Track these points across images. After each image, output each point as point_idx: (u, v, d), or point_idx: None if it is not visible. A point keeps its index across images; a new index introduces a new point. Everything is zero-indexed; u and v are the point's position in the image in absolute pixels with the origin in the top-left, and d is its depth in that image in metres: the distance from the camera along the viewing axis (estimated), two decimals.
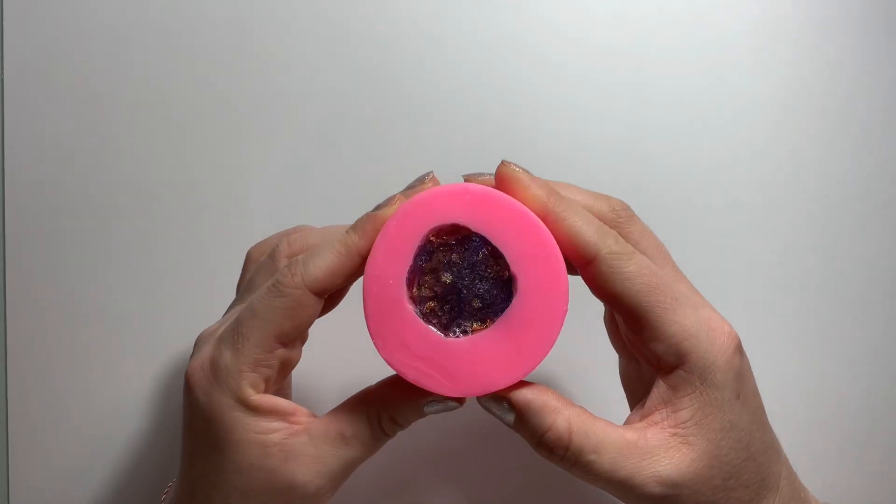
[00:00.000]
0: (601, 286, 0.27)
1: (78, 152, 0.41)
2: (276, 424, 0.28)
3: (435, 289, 0.27)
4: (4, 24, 0.41)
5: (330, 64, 0.41)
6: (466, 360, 0.27)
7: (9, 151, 0.41)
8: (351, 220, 0.28)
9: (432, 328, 0.27)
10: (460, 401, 0.28)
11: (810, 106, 0.41)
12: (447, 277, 0.27)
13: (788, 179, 0.41)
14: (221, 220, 0.41)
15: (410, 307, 0.27)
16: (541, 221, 0.26)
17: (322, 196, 0.41)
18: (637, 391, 0.32)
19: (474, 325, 0.27)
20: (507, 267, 0.26)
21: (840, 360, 0.41)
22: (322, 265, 0.27)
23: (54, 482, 0.41)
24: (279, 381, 0.29)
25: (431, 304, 0.27)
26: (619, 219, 0.29)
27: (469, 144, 0.41)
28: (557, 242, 0.26)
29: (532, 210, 0.27)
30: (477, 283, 0.27)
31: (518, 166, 0.27)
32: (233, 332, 0.27)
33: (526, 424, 0.27)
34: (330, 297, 0.29)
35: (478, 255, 0.27)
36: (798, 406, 0.41)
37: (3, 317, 0.41)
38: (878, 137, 0.41)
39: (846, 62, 0.41)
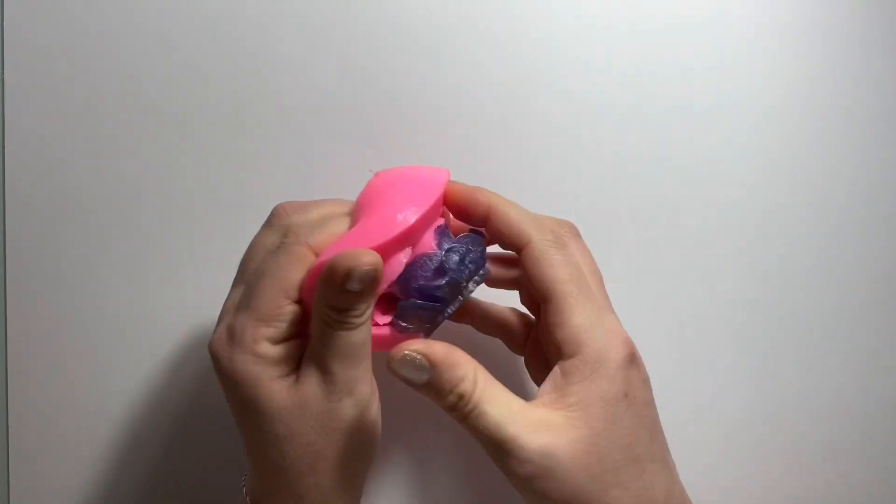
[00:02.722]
0: (529, 268, 0.30)
1: (78, 152, 0.41)
2: (291, 367, 0.29)
3: None
4: (4, 24, 0.41)
5: (328, 64, 0.41)
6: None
7: (9, 151, 0.41)
8: None
9: None
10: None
11: (811, 108, 0.41)
12: None
13: (788, 180, 0.41)
14: (222, 220, 0.41)
15: None
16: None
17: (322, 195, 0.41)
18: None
19: None
20: None
21: (839, 359, 0.41)
22: (325, 231, 0.30)
23: (55, 482, 0.41)
24: (296, 336, 0.30)
25: None
26: (563, 235, 0.31)
27: (466, 143, 0.41)
28: (499, 236, 0.31)
29: (477, 214, 0.31)
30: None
31: (457, 183, 0.32)
32: (244, 296, 0.30)
33: (440, 378, 0.27)
34: None
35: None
36: (797, 406, 0.41)
37: (3, 317, 0.41)
38: (880, 139, 0.41)
39: (848, 64, 0.41)
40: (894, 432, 0.42)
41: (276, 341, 0.29)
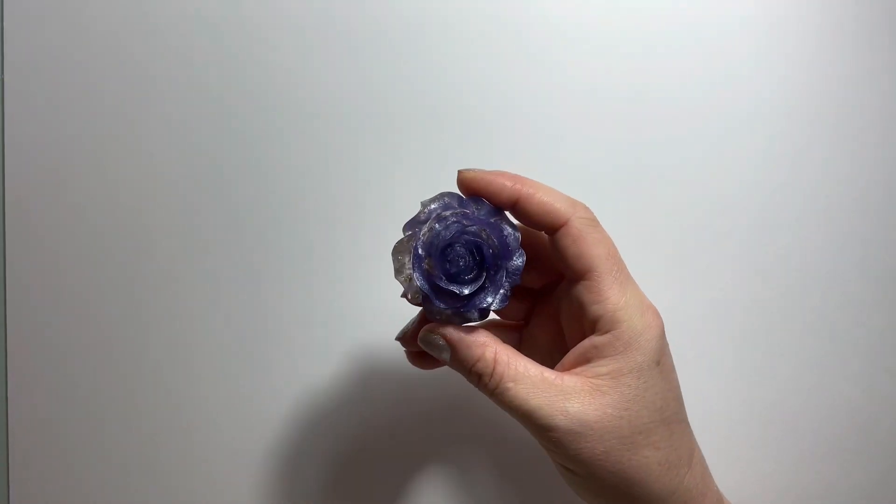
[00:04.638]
0: (568, 247, 0.30)
1: (78, 152, 0.41)
2: None
3: None
4: (4, 24, 0.41)
5: (334, 64, 0.41)
6: None
7: (9, 151, 0.41)
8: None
9: None
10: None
11: (811, 106, 0.41)
12: None
13: (788, 179, 0.41)
14: (221, 219, 0.41)
15: None
16: None
17: (325, 193, 0.41)
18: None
19: None
20: None
21: (839, 359, 0.41)
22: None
23: (55, 482, 0.41)
24: None
25: None
26: (581, 220, 0.31)
27: (479, 143, 0.41)
28: (531, 217, 0.30)
29: (503, 198, 0.30)
30: None
31: (473, 169, 0.31)
32: None
33: (458, 357, 0.30)
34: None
35: None
36: (797, 406, 0.41)
37: (3, 317, 0.41)
38: (881, 137, 0.41)
39: (849, 65, 0.41)
40: (895, 433, 0.42)
41: None
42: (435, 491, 0.41)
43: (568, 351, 0.31)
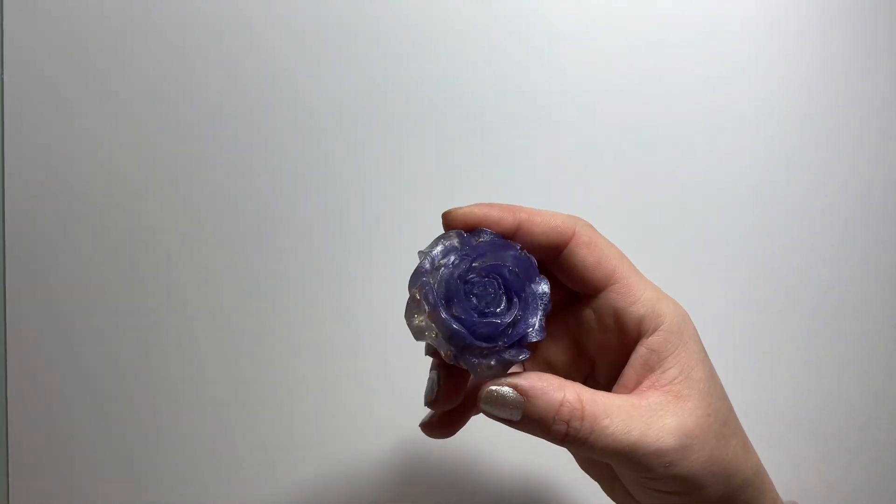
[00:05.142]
0: (586, 256, 0.28)
1: (78, 152, 0.41)
2: None
3: None
4: (4, 24, 0.41)
5: (334, 66, 0.41)
6: None
7: (9, 151, 0.41)
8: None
9: None
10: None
11: (811, 106, 0.41)
12: None
13: (788, 179, 0.41)
14: (220, 219, 0.41)
15: None
16: None
17: (324, 195, 0.41)
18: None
19: None
20: None
21: (839, 359, 0.41)
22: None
23: (55, 482, 0.41)
24: None
25: None
26: (586, 227, 0.30)
27: (483, 144, 0.41)
28: (535, 240, 0.28)
29: (504, 228, 0.28)
30: None
31: (459, 207, 0.28)
32: None
33: (536, 408, 0.26)
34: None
35: None
36: (797, 406, 0.41)
37: (2, 317, 0.41)
38: (880, 138, 0.41)
39: (846, 62, 0.41)
40: (895, 433, 0.42)
41: None
42: (436, 486, 0.41)
43: (593, 366, 0.30)
